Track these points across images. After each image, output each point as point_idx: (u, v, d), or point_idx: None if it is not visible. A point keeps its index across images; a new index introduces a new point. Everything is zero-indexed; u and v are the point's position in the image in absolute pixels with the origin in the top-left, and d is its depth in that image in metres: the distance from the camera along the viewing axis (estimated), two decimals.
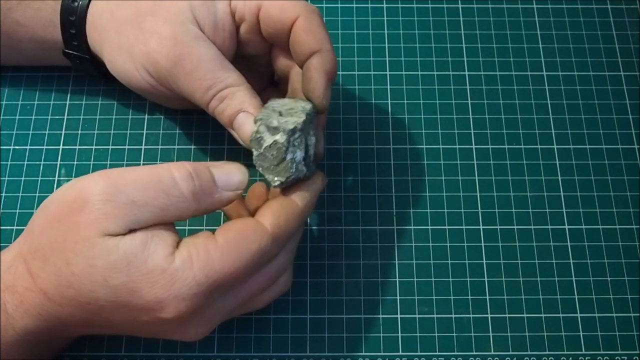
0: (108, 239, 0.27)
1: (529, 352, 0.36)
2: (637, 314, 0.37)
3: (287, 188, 0.32)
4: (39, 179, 0.40)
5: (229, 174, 0.30)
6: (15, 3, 0.37)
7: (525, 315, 0.37)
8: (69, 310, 0.28)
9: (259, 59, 0.37)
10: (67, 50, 0.38)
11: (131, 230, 0.28)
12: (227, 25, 0.34)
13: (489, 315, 0.37)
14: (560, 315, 0.37)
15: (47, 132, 0.41)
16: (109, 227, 0.27)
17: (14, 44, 0.39)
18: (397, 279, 0.38)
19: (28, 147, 0.41)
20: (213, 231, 0.30)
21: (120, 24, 0.34)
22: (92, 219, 0.27)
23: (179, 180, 0.28)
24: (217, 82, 0.33)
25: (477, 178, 0.40)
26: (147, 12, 0.33)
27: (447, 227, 0.39)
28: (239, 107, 0.33)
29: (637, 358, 0.36)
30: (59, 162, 0.40)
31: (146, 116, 0.42)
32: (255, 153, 0.31)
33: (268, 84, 0.39)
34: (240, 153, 0.40)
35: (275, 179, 0.31)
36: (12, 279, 0.28)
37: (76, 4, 0.36)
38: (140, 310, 0.28)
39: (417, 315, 0.37)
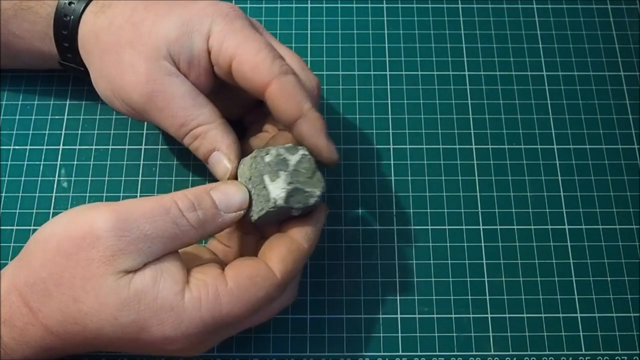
0: (121, 276, 0.27)
1: (529, 352, 0.36)
2: (637, 314, 0.37)
3: (292, 225, 0.32)
4: (39, 179, 0.40)
5: (229, 196, 0.30)
6: (11, 15, 0.36)
7: (525, 315, 0.37)
8: (73, 342, 0.28)
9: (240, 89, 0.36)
10: (63, 62, 0.38)
11: (145, 265, 0.28)
12: (202, 61, 0.33)
13: (489, 315, 0.37)
14: (560, 315, 0.37)
15: (47, 132, 0.41)
16: (124, 263, 0.27)
17: (12, 54, 0.39)
18: (397, 279, 0.38)
19: (28, 147, 0.41)
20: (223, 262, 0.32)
21: (103, 51, 0.34)
22: (106, 256, 0.27)
23: (184, 211, 0.29)
24: (189, 120, 0.32)
25: (477, 178, 0.40)
26: (126, 43, 0.33)
27: (447, 227, 0.39)
28: (212, 147, 0.33)
29: (637, 358, 0.36)
30: (59, 162, 0.40)
31: None
32: (284, 175, 0.31)
33: (256, 104, 0.38)
34: None
35: (311, 190, 0.31)
36: (7, 312, 0.28)
37: (68, 18, 0.35)
38: (147, 344, 0.28)
39: (417, 315, 0.37)
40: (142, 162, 0.40)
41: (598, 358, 0.36)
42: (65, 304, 0.27)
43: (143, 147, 0.41)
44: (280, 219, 0.32)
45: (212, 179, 0.40)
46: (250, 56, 0.31)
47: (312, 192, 0.31)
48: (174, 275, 0.28)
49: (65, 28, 0.36)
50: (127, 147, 0.41)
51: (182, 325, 0.28)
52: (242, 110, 0.37)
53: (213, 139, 0.33)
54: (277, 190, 0.30)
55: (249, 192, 0.31)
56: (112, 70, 0.33)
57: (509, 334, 0.36)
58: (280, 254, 0.30)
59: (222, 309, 0.28)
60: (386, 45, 0.44)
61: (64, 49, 0.36)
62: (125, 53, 0.33)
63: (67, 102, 0.42)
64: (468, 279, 0.38)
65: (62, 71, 0.42)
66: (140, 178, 0.40)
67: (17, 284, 0.28)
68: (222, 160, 0.32)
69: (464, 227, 0.39)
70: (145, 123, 0.41)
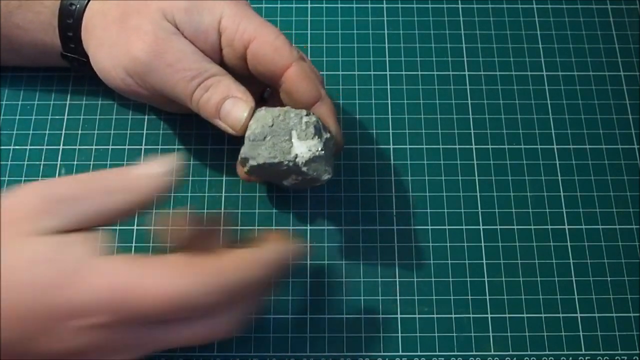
0: (36, 235, 0.26)
1: (529, 352, 0.36)
2: (637, 314, 0.37)
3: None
4: (39, 179, 0.40)
5: (152, 164, 0.28)
6: (15, 6, 0.37)
7: (525, 315, 0.37)
8: None
9: (245, 78, 0.36)
10: (64, 53, 0.38)
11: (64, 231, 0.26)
12: (209, 39, 0.33)
13: (489, 315, 0.37)
14: (560, 315, 0.37)
15: (47, 132, 0.41)
16: (38, 223, 0.26)
17: (14, 47, 0.39)
18: (397, 279, 0.38)
19: (28, 147, 0.41)
20: None
21: (108, 22, 0.34)
22: (20, 216, 0.26)
23: (101, 179, 0.28)
24: (202, 72, 0.32)
25: (477, 178, 0.40)
26: (133, 11, 0.34)
27: (447, 227, 0.39)
28: (225, 94, 0.32)
29: (637, 358, 0.36)
30: (59, 162, 0.40)
31: (146, 116, 0.42)
32: (317, 140, 0.31)
33: (258, 100, 0.38)
34: None
35: (329, 168, 0.32)
36: None
37: (73, 7, 0.36)
38: (58, 314, 0.25)
39: (417, 315, 0.37)
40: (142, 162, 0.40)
41: (598, 358, 0.36)
42: None
43: (143, 147, 0.41)
44: (272, 180, 0.33)
45: (212, 177, 0.40)
46: (271, 38, 0.33)
47: (328, 169, 0.32)
48: (91, 241, 0.26)
49: (70, 16, 0.36)
50: (127, 147, 0.41)
51: (95, 288, 0.25)
52: None
53: (227, 87, 0.32)
54: (303, 148, 0.31)
55: (265, 136, 0.31)
56: (114, 38, 0.34)
57: (509, 334, 0.36)
58: (227, 251, 0.28)
59: (129, 279, 0.25)
60: (386, 45, 0.44)
61: (67, 38, 0.37)
62: (130, 20, 0.33)
63: (67, 102, 0.42)
64: (468, 279, 0.38)
65: (62, 71, 0.42)
66: None
67: None
68: (238, 104, 0.32)
69: (464, 227, 0.39)
70: (146, 122, 0.41)
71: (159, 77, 0.33)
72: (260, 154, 0.31)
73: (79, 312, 0.25)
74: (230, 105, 0.32)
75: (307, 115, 0.32)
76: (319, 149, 0.31)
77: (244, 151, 0.31)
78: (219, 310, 0.28)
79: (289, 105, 0.34)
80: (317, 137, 0.31)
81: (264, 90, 0.39)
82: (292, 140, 0.31)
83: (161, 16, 0.33)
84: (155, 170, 0.28)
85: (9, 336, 0.26)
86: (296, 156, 0.31)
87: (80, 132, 0.41)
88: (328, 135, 0.32)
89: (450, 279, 0.38)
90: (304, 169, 0.31)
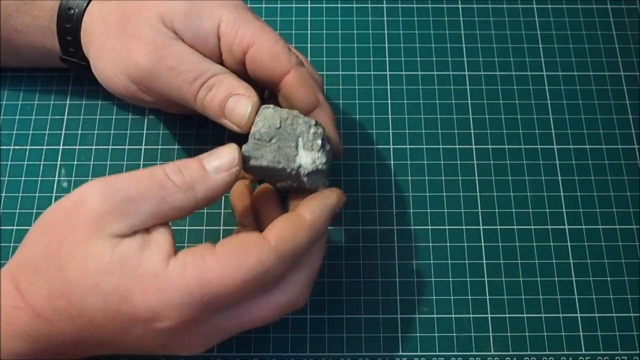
0: (107, 240, 0.27)
1: (529, 352, 0.36)
2: (637, 314, 0.37)
3: (296, 200, 0.32)
4: (39, 179, 0.40)
5: (218, 157, 0.30)
6: (14, 9, 0.37)
7: (525, 315, 0.37)
8: (59, 327, 0.27)
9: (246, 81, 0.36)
10: (64, 57, 0.38)
11: (134, 232, 0.27)
12: (209, 43, 0.33)
13: (489, 315, 0.37)
14: (560, 315, 0.37)
15: (47, 132, 0.41)
16: (110, 227, 0.27)
17: (14, 50, 0.39)
18: (397, 279, 0.38)
19: (28, 147, 0.41)
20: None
21: (108, 28, 0.34)
22: (91, 219, 0.27)
23: (169, 174, 0.28)
24: (204, 72, 0.32)
25: (477, 178, 0.40)
26: (131, 15, 0.33)
27: (447, 227, 0.39)
28: (229, 91, 0.32)
29: (637, 358, 0.36)
30: (59, 162, 0.40)
31: (146, 116, 0.42)
32: (322, 152, 0.31)
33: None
34: None
35: (326, 181, 0.32)
36: None
37: (72, 11, 0.36)
38: (131, 321, 0.27)
39: (417, 315, 0.37)
40: (142, 162, 0.40)
41: (598, 358, 0.36)
42: (52, 275, 0.27)
43: (143, 147, 0.41)
44: (265, 179, 0.33)
45: None
46: (270, 44, 0.32)
47: (325, 183, 0.32)
48: (161, 244, 0.28)
49: (69, 21, 0.36)
50: (127, 147, 0.41)
51: (165, 293, 0.26)
52: None
53: (230, 85, 0.32)
54: (308, 159, 0.31)
55: (271, 138, 0.31)
56: (115, 44, 0.33)
57: (509, 334, 0.36)
58: (278, 222, 0.29)
59: (208, 275, 0.27)
60: (386, 45, 0.44)
61: (66, 42, 0.37)
62: (129, 25, 0.33)
63: (67, 102, 0.42)
64: (468, 279, 0.38)
65: (62, 71, 0.42)
66: None
67: (11, 268, 0.28)
68: (241, 100, 0.32)
69: (464, 227, 0.39)
70: (146, 122, 0.41)
71: (162, 81, 0.33)
72: (264, 156, 0.31)
73: (157, 315, 0.27)
74: (234, 102, 0.32)
75: (315, 125, 0.31)
76: (323, 162, 0.31)
77: (246, 149, 0.31)
78: (288, 276, 0.29)
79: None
80: (322, 150, 0.31)
81: (263, 91, 0.39)
82: (298, 148, 0.31)
83: (160, 22, 0.33)
84: (229, 162, 0.30)
85: (95, 337, 0.28)
86: (300, 166, 0.31)
87: (80, 132, 0.41)
88: (328, 147, 0.32)
89: (450, 279, 0.38)
90: (304, 179, 0.31)
